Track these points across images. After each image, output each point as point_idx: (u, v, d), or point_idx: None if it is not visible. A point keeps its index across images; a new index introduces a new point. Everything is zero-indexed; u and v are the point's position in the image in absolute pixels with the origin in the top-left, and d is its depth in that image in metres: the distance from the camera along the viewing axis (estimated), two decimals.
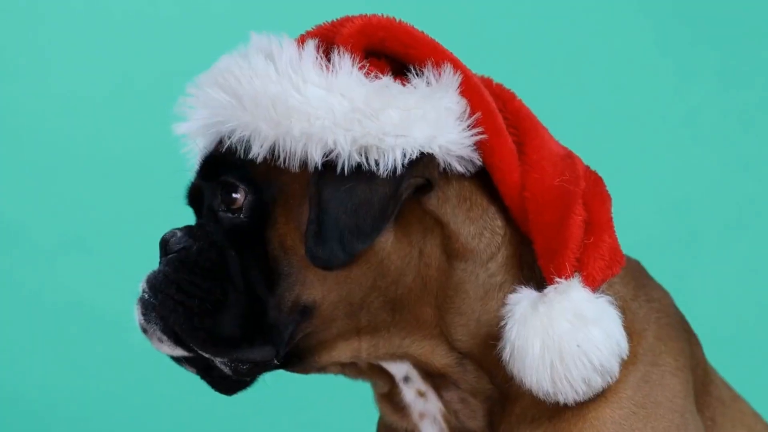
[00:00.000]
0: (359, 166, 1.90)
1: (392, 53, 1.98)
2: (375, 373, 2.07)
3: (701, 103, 3.85)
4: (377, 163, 1.89)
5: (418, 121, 1.91)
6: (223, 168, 1.98)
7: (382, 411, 2.13)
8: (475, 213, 2.00)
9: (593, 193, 2.00)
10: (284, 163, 1.93)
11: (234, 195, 1.97)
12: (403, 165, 1.90)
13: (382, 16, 2.00)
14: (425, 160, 1.93)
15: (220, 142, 2.00)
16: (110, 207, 3.78)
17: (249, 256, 1.95)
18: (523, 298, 1.95)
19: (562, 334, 1.91)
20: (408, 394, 2.07)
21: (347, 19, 1.99)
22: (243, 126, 1.94)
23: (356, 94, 1.92)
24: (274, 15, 3.65)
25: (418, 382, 2.05)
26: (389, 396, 2.09)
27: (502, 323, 1.95)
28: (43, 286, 3.77)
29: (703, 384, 2.12)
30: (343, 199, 1.90)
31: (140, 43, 3.84)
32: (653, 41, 3.86)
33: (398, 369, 2.04)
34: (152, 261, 1.96)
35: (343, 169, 1.90)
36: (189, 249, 1.97)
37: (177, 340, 1.96)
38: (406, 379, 2.05)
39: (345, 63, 1.94)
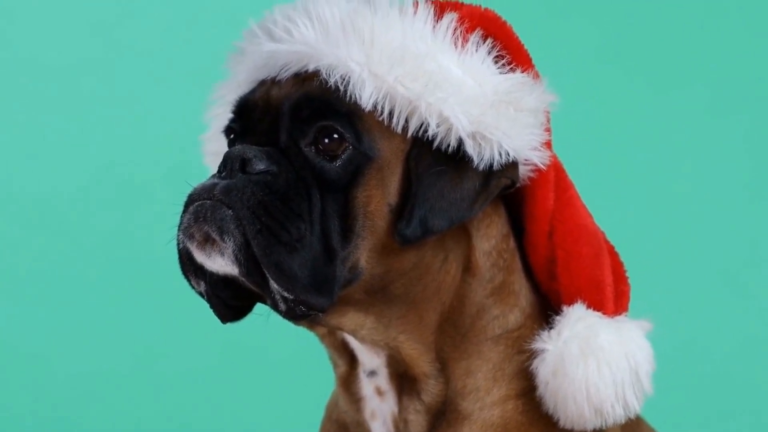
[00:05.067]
0: (453, 151, 1.94)
1: (496, 50, 2.00)
2: (342, 352, 2.08)
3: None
4: (479, 153, 1.93)
5: (527, 128, 1.97)
6: (328, 111, 1.94)
7: (341, 397, 2.13)
8: (492, 231, 2.04)
9: (609, 246, 2.10)
10: (395, 122, 1.93)
11: (335, 143, 1.94)
12: (499, 163, 1.94)
13: (493, 12, 2.05)
14: (515, 163, 1.98)
15: (311, 80, 1.96)
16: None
17: (331, 205, 1.94)
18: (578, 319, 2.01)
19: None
20: (366, 387, 2.09)
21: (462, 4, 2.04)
22: (359, 68, 1.93)
23: (488, 82, 1.95)
24: None
25: (383, 380, 2.07)
26: (347, 383, 2.10)
27: (547, 339, 2.01)
28: None
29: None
30: (432, 181, 1.93)
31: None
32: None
33: (371, 360, 2.06)
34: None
35: (438, 149, 1.94)
36: (275, 176, 1.93)
37: (238, 258, 1.90)
38: (372, 373, 2.07)
39: (481, 49, 1.97)
